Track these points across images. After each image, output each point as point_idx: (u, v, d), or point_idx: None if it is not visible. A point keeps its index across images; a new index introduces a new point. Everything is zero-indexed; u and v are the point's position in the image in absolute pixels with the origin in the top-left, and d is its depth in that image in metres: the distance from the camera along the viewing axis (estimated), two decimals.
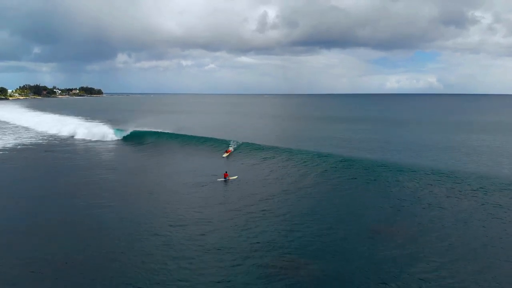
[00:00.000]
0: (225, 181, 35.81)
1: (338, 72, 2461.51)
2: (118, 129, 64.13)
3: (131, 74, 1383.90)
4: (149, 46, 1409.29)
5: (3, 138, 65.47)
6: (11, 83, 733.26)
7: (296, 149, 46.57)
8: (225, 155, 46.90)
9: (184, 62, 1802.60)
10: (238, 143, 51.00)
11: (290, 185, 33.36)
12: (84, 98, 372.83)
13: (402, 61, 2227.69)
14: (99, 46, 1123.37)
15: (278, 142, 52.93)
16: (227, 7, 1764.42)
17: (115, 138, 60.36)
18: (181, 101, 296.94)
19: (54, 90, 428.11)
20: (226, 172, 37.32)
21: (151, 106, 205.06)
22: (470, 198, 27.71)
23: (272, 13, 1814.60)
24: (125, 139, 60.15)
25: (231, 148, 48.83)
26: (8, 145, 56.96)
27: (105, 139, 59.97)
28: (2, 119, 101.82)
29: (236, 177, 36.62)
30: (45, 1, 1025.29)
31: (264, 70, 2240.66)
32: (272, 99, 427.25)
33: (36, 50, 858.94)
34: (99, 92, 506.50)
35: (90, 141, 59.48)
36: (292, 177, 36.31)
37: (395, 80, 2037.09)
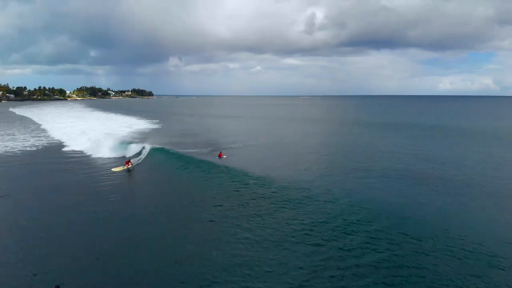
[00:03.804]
0: (220, 159, 45.68)
1: (388, 73, 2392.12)
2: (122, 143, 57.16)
3: (181, 76, 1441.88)
4: (199, 49, 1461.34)
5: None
6: (69, 85, 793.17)
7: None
8: (118, 169, 41.52)
9: (231, 65, 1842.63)
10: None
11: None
12: (133, 100, 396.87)
13: (456, 62, 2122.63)
14: (152, 50, 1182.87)
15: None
16: (274, 10, 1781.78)
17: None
18: (220, 103, 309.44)
19: (108, 91, 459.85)
20: (220, 152, 48.41)
21: (186, 108, 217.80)
22: None
23: (320, 14, 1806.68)
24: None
25: (131, 160, 43.66)
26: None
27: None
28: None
29: (225, 156, 46.74)
30: (102, 7, 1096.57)
31: (310, 72, 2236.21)
32: (319, 101, 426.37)
33: (93, 53, 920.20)
34: (149, 94, 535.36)
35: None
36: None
37: (448, 82, 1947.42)
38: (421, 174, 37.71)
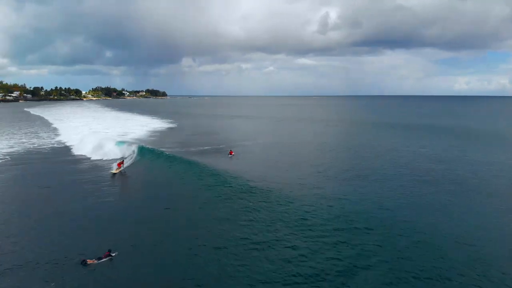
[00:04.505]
0: (231, 157, 50.05)
1: (403, 73, 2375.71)
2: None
3: (195, 77, 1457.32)
4: (212, 50, 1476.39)
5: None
6: (85, 85, 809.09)
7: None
8: (115, 170, 41.98)
9: (244, 65, 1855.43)
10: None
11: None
12: (148, 100, 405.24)
13: (472, 61, 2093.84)
14: (166, 51, 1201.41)
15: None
16: (288, 10, 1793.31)
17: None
18: (232, 104, 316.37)
19: (123, 92, 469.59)
20: (231, 150, 52.64)
21: (199, 108, 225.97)
22: None
23: (333, 14, 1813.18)
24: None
25: (122, 165, 43.33)
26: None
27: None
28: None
29: (233, 154, 51.16)
30: (118, 8, 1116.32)
31: (323, 72, 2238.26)
32: (332, 101, 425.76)
33: (108, 54, 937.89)
34: (163, 94, 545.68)
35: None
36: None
37: (464, 82, 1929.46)
38: (440, 177, 37.80)
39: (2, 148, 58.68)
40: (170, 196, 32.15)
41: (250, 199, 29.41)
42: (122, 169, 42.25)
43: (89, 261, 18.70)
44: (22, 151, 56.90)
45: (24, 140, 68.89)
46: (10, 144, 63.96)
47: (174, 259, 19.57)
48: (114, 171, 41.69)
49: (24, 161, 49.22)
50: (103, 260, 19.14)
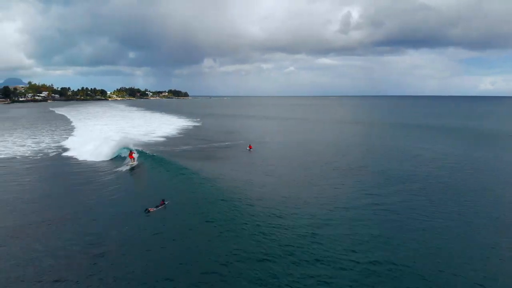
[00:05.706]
0: (250, 151, 56.91)
1: (427, 73, 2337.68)
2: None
3: (215, 77, 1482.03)
4: (233, 51, 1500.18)
5: None
6: (108, 85, 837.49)
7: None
8: (132, 163, 44.52)
9: (264, 66, 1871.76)
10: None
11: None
12: (170, 100, 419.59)
13: (498, 61, 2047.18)
14: (188, 52, 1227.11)
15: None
16: (309, 10, 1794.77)
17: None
18: (251, 104, 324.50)
19: (146, 92, 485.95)
20: (250, 144, 59.55)
21: (219, 108, 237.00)
22: None
23: (355, 13, 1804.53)
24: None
25: (134, 154, 46.05)
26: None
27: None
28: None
29: (252, 148, 57.81)
30: (141, 10, 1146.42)
31: (344, 71, 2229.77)
32: (353, 101, 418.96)
33: (131, 55, 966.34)
34: (185, 94, 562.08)
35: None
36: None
37: (490, 82, 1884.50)
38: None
39: (49, 143, 68.44)
40: (198, 175, 38.42)
41: (264, 184, 36.55)
42: (136, 157, 45.52)
43: (150, 209, 26.58)
44: (70, 143, 66.42)
45: (65, 136, 78.55)
46: (55, 139, 73.78)
47: (212, 209, 26.75)
48: (132, 163, 44.52)
49: (71, 152, 58.04)
50: (159, 207, 27.12)
